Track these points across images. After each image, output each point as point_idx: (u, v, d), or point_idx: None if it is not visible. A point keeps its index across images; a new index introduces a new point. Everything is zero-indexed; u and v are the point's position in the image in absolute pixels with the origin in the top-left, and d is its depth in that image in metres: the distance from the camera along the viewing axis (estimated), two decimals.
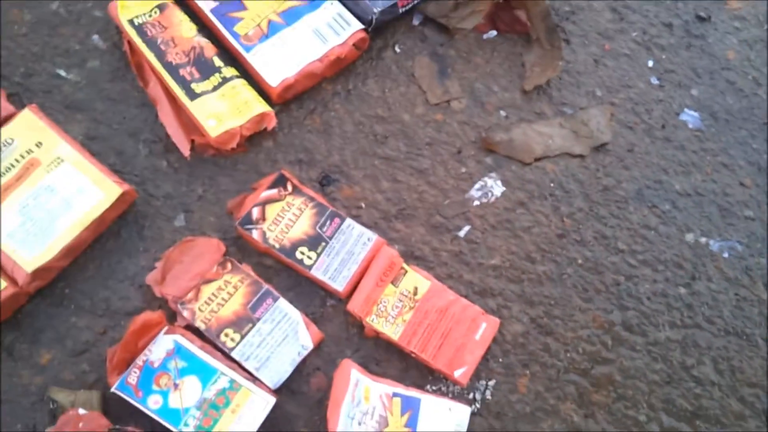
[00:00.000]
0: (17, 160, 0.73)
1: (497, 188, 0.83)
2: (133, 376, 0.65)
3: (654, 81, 0.94)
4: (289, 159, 0.82)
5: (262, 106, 0.79)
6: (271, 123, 0.80)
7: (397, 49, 0.90)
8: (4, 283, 0.66)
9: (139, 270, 0.73)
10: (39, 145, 0.74)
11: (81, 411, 0.62)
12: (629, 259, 0.82)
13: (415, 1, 0.89)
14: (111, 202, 0.71)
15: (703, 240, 0.84)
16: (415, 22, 0.91)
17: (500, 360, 0.75)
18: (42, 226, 0.69)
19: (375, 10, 0.85)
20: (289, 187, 0.78)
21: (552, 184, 0.84)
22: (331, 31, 0.84)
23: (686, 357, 0.78)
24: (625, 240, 0.83)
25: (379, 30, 0.87)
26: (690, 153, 0.89)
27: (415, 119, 0.86)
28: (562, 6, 0.96)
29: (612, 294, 0.80)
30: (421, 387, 0.72)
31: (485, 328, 0.74)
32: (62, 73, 0.83)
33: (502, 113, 0.88)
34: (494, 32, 0.93)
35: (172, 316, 0.71)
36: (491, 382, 0.74)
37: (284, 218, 0.76)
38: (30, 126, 0.74)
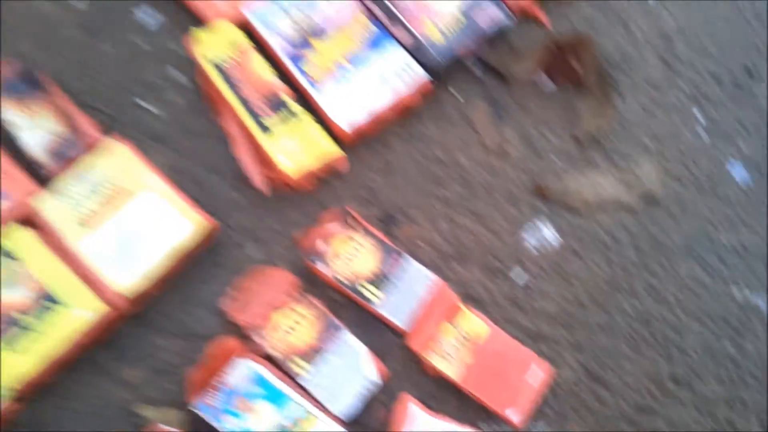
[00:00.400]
0: (106, 189, 0.81)
1: (550, 234, 0.90)
2: (211, 398, 0.72)
3: (702, 133, 1.00)
4: (352, 196, 0.89)
5: (336, 151, 0.87)
6: (344, 167, 0.87)
7: (455, 93, 0.97)
8: (105, 307, 0.74)
9: (214, 296, 0.81)
10: (126, 174, 0.82)
11: (165, 428, 0.69)
12: (677, 311, 0.88)
13: (476, 51, 0.96)
14: (201, 236, 0.79)
15: (749, 296, 0.90)
16: (473, 66, 0.98)
17: (552, 405, 0.81)
18: (137, 255, 0.77)
19: (441, 61, 0.92)
20: (353, 224, 0.85)
21: (603, 233, 0.91)
22: (399, 80, 0.91)
23: (732, 413, 0.84)
24: (673, 292, 0.89)
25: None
26: (737, 207, 0.96)
27: (472, 162, 0.93)
28: (613, 56, 1.03)
29: (660, 345, 0.86)
30: (476, 426, 0.79)
31: (539, 373, 0.80)
32: (145, 104, 0.90)
33: (556, 160, 0.95)
34: (548, 80, 1.00)
35: (245, 341, 0.78)
36: (544, 427, 0.80)
37: (348, 253, 0.83)
38: (117, 155, 0.82)
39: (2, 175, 0.81)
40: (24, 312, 0.74)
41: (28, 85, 0.86)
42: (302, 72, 0.92)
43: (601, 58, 0.99)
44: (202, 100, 0.91)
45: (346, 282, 0.82)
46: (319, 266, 0.82)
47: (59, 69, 0.90)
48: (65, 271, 0.77)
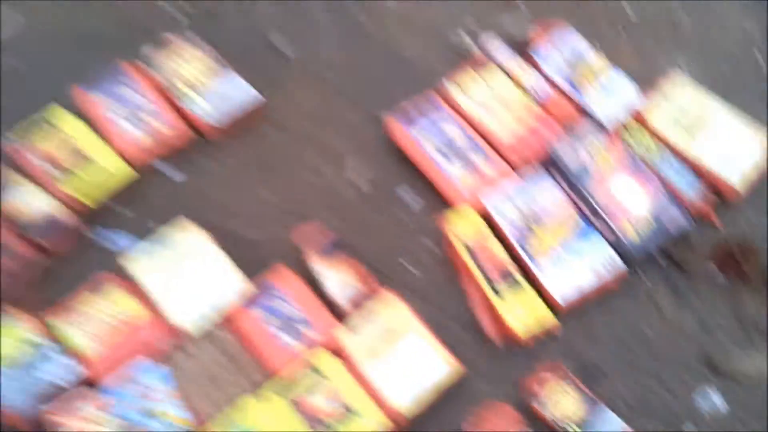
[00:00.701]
0: (384, 329, 1.16)
1: (718, 400, 1.17)
2: None
3: None
4: (561, 352, 1.19)
5: (552, 318, 1.19)
6: (557, 331, 1.19)
7: (643, 277, 1.27)
8: (389, 422, 1.07)
9: (459, 419, 1.12)
10: (398, 319, 1.17)
11: None
12: None
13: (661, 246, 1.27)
14: (456, 376, 1.12)
15: None
16: (658, 257, 1.29)
17: None
18: (409, 383, 1.10)
19: (636, 256, 1.23)
20: (562, 375, 1.15)
21: (764, 405, 1.16)
22: (602, 267, 1.23)
23: None
24: None
25: None
26: None
27: (654, 334, 1.22)
28: None
29: None
30: None
31: None
32: (407, 265, 1.26)
33: (724, 339, 1.22)
34: (720, 273, 1.28)
35: None
36: None
37: (559, 398, 1.13)
38: (391, 304, 1.17)
39: (312, 310, 1.18)
40: (330, 416, 1.09)
41: (333, 248, 1.24)
42: (525, 251, 1.25)
43: (764, 259, 1.27)
44: (450, 265, 1.26)
45: (557, 421, 1.11)
46: (536, 406, 1.13)
47: (348, 233, 1.28)
48: (359, 389, 1.11)
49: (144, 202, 1.30)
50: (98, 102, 1.33)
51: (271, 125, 1.39)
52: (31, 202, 1.24)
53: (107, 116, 1.32)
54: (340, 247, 1.23)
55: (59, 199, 1.25)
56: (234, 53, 1.43)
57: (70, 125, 1.30)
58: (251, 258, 1.23)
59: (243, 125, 1.37)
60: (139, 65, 1.37)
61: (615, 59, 1.44)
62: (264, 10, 1.51)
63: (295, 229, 1.24)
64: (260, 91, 1.39)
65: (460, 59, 1.44)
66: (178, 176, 1.33)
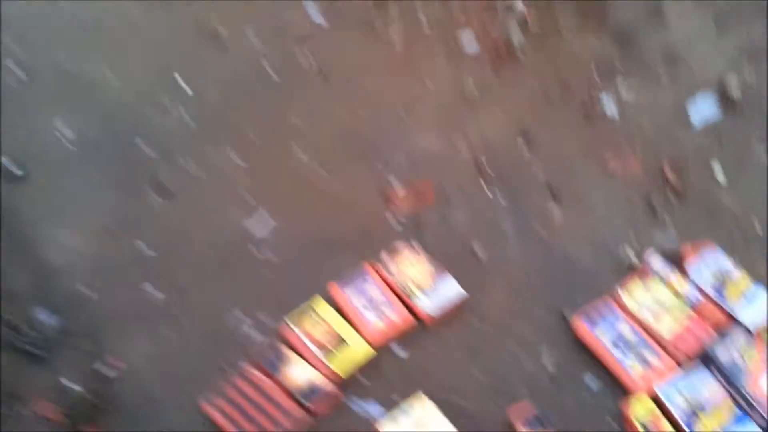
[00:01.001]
0: None
1: None
2: None
3: None
4: None
5: None
6: None
7: None
8: None
9: None
10: None
11: None
12: None
13: None
14: None
15: None
16: None
17: None
18: None
19: None
20: None
21: None
22: None
23: None
24: None
25: None
26: None
27: None
28: None
29: None
30: None
31: None
32: None
33: None
34: None
35: None
36: None
37: None
38: None
39: None
40: None
41: (537, 422, 1.59)
42: None
43: None
44: None
45: None
46: None
47: (543, 410, 1.63)
48: None
49: (380, 374, 1.69)
50: (349, 295, 1.76)
51: (474, 315, 1.79)
52: (300, 374, 1.64)
53: (355, 306, 1.74)
54: (542, 422, 1.58)
55: (320, 372, 1.65)
56: (440, 255, 1.86)
57: (328, 313, 1.72)
58: (469, 426, 1.59)
59: (452, 315, 1.77)
60: (377, 266, 1.81)
61: (749, 268, 1.81)
62: (461, 220, 1.96)
63: (509, 407, 1.61)
64: (463, 287, 1.80)
65: (622, 266, 1.83)
66: (404, 354, 1.73)
